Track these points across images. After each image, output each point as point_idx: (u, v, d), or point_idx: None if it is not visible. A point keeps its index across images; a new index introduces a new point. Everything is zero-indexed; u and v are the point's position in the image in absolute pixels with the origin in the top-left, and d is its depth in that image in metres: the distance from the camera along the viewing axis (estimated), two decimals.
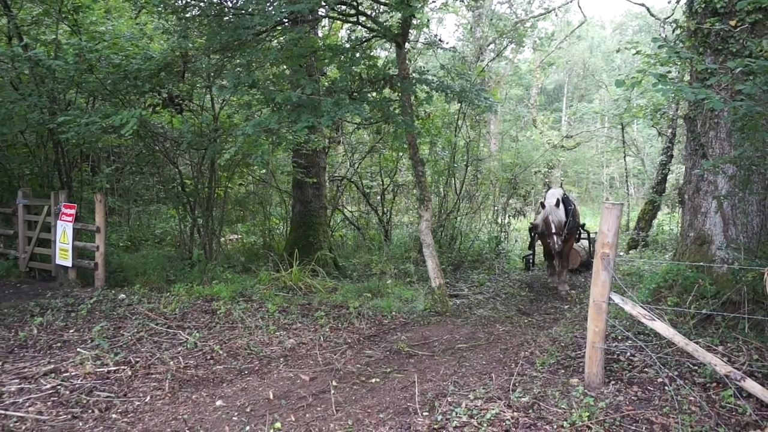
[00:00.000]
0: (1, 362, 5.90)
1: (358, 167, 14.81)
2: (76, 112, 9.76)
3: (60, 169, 11.62)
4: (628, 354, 5.62)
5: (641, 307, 4.82)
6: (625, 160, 20.37)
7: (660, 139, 17.56)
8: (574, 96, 37.99)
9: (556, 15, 24.17)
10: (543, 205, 10.97)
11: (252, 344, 6.78)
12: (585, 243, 13.61)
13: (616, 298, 4.88)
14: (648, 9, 14.75)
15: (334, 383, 5.58)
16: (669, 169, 15.91)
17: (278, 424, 4.42)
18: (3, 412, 4.84)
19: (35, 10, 11.20)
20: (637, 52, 10.30)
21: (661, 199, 15.47)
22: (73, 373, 5.67)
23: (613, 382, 5.00)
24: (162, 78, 10.05)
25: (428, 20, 17.90)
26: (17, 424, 4.66)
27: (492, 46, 20.54)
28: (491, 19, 19.95)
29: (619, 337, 6.08)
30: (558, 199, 10.57)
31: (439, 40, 11.58)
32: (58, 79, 10.21)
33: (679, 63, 8.13)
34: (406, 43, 9.91)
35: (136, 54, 9.97)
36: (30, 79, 10.64)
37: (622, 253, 14.09)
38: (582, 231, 12.83)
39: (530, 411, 4.47)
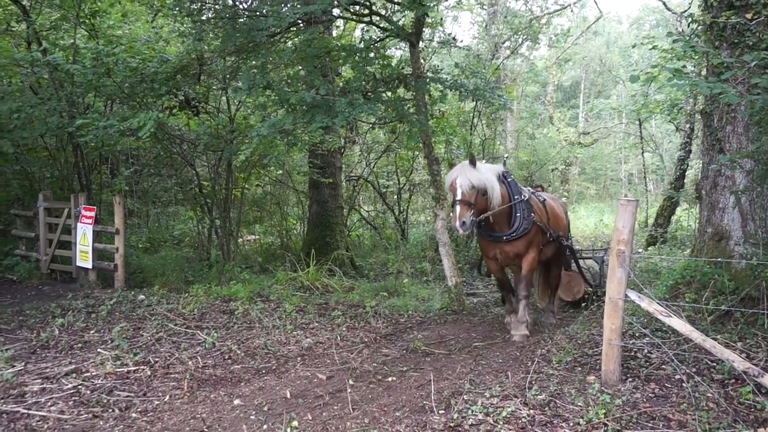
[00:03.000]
0: (24, 363, 6.00)
1: (374, 167, 14.84)
2: (95, 116, 9.88)
3: (79, 172, 11.77)
4: (645, 351, 5.59)
5: (658, 303, 4.79)
6: (643, 156, 20.20)
7: (678, 134, 17.39)
8: (591, 92, 37.69)
9: (572, 11, 24.01)
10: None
11: (269, 344, 6.83)
12: (593, 264, 10.69)
13: (633, 295, 4.85)
14: (664, 3, 14.60)
15: (350, 382, 5.61)
16: (687, 165, 15.75)
17: (295, 423, 4.46)
18: (26, 411, 4.92)
19: (53, 15, 11.35)
20: (654, 47, 10.20)
21: (680, 195, 15.31)
22: (93, 373, 5.76)
23: (630, 379, 4.97)
24: (178, 80, 10.15)
25: (442, 19, 17.89)
26: (39, 423, 4.74)
27: (507, 43, 20.45)
28: (506, 17, 19.86)
29: (636, 334, 6.04)
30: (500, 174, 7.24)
31: (453, 38, 11.55)
32: (77, 83, 10.35)
33: (695, 57, 8.04)
34: (420, 42, 9.91)
35: (153, 57, 10.07)
36: (49, 84, 10.79)
37: (640, 250, 13.98)
38: (569, 241, 8.86)
39: (546, 408, 4.46)
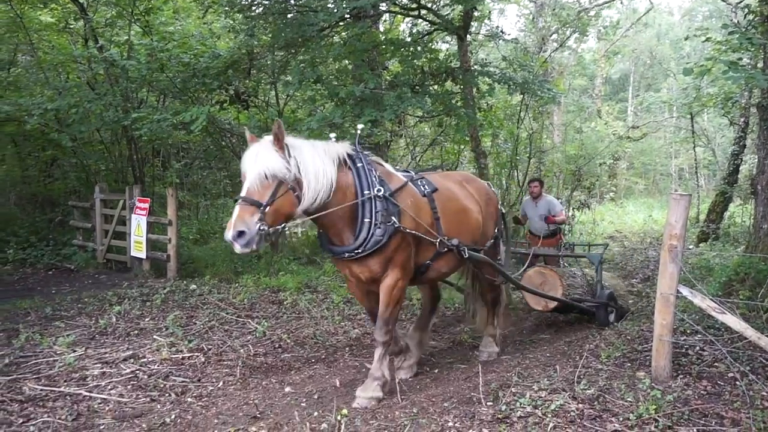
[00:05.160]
0: (84, 348, 6.23)
1: (419, 160, 14.85)
2: (148, 110, 10.16)
3: (133, 164, 12.11)
4: (697, 348, 5.50)
5: (711, 300, 4.72)
6: (694, 150, 19.73)
7: (732, 128, 16.94)
8: (640, 85, 36.90)
9: (622, 2, 23.60)
10: None
11: (318, 334, 6.95)
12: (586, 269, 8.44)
13: (685, 291, 4.79)
14: None
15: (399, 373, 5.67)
16: (741, 160, 15.32)
17: (345, 411, 4.54)
18: (88, 394, 5.13)
19: (109, 12, 11.68)
20: (707, 39, 9.95)
21: (733, 191, 14.92)
22: (150, 359, 5.95)
23: (681, 376, 4.91)
24: (229, 75, 10.34)
25: (489, 12, 17.77)
26: (101, 405, 4.94)
27: (555, 36, 20.21)
28: (554, 9, 19.63)
29: (688, 331, 5.95)
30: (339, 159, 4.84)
31: (501, 31, 11.50)
32: (131, 78, 10.64)
33: (751, 49, 7.83)
34: (468, 35, 9.89)
35: (204, 52, 10.29)
36: (105, 79, 11.12)
37: (691, 246, 13.69)
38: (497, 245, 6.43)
39: (595, 403, 4.44)
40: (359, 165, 4.84)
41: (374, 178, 4.80)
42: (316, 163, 4.54)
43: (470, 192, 5.91)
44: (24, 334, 6.45)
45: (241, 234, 4.12)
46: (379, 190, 4.74)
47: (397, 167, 5.53)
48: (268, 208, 4.25)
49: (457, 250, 5.28)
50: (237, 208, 4.23)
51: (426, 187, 5.28)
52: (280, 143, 4.38)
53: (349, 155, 4.88)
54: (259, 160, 4.29)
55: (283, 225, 4.48)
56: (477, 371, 5.34)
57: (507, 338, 7.06)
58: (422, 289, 6.39)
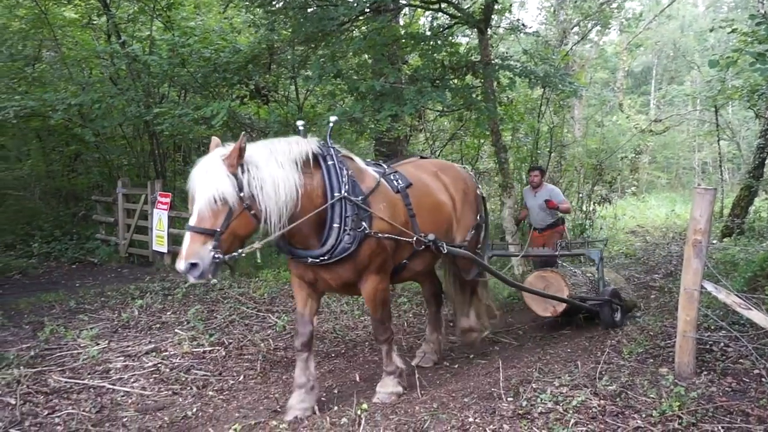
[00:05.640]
0: (107, 341, 6.30)
1: (439, 155, 14.81)
2: (170, 105, 10.24)
3: (155, 159, 12.22)
4: (722, 344, 5.43)
5: (736, 295, 4.65)
6: (719, 144, 19.44)
7: (757, 121, 16.66)
8: (663, 78, 36.45)
9: None
10: None
11: (338, 328, 6.97)
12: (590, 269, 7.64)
13: (709, 286, 4.72)
14: None
15: (418, 368, 5.67)
16: (767, 153, 15.09)
17: (365, 405, 4.54)
18: (111, 386, 5.20)
19: (131, 8, 11.77)
20: (733, 30, 9.79)
21: (759, 185, 14.69)
22: (172, 353, 6.01)
23: (705, 372, 4.85)
24: (249, 70, 10.37)
25: (510, 5, 17.63)
26: (124, 397, 5.01)
27: (576, 29, 20.01)
28: (576, 1, 19.41)
29: (712, 327, 5.87)
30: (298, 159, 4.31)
31: (522, 24, 11.41)
32: (153, 73, 10.72)
33: None
34: (489, 29, 9.83)
35: (225, 47, 10.33)
36: (127, 75, 11.22)
37: (715, 241, 13.51)
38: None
39: (618, 399, 4.40)
40: (330, 163, 4.37)
41: (344, 179, 4.34)
42: (275, 175, 3.99)
43: (445, 183, 5.55)
44: (49, 326, 6.55)
45: (194, 266, 3.73)
46: (346, 193, 4.31)
47: (368, 160, 5.12)
48: (222, 234, 3.82)
49: (435, 246, 4.96)
50: (187, 238, 3.81)
51: (400, 182, 4.93)
52: (232, 159, 3.84)
53: (312, 154, 4.34)
54: (208, 182, 3.80)
55: (242, 251, 4.02)
56: (497, 366, 5.32)
57: (527, 333, 7.04)
58: (422, 286, 6.23)
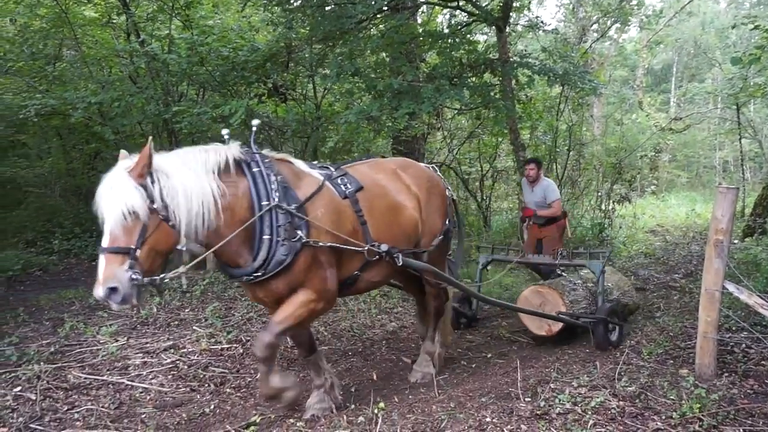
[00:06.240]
0: (126, 337, 6.35)
1: (456, 153, 14.76)
2: (188, 103, 10.27)
3: None
4: (743, 345, 5.36)
5: (758, 296, 4.59)
6: (740, 142, 19.20)
7: None
8: (683, 76, 36.04)
9: None
10: None
11: (355, 327, 6.97)
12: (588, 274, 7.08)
13: (731, 287, 4.66)
14: None
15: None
16: None
17: (382, 404, 4.53)
18: (129, 383, 5.24)
19: (150, 7, 11.83)
20: (756, 27, 9.67)
21: None
22: (190, 350, 6.04)
23: (726, 374, 4.79)
24: (267, 68, 10.39)
25: (529, 2, 17.54)
26: (142, 394, 5.05)
27: (595, 26, 19.85)
28: None
29: (733, 328, 5.80)
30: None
31: (541, 21, 11.34)
32: (172, 72, 10.76)
33: None
34: (507, 26, 9.78)
35: (243, 46, 10.35)
36: (146, 73, 11.27)
37: (736, 241, 13.34)
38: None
39: (637, 400, 4.36)
40: (255, 170, 3.97)
41: (274, 185, 3.92)
42: (187, 184, 3.62)
43: (406, 183, 4.99)
44: (69, 323, 6.59)
45: (113, 290, 3.37)
46: (277, 200, 3.89)
47: (315, 162, 4.74)
48: (138, 251, 3.47)
49: (389, 257, 4.47)
50: (102, 261, 3.44)
51: (348, 185, 4.44)
52: (139, 169, 3.49)
53: (235, 160, 3.95)
54: (115, 197, 3.45)
55: (164, 276, 3.70)
56: (515, 366, 5.30)
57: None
58: (406, 289, 5.87)
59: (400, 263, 4.51)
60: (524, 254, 7.45)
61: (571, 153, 13.84)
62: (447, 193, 5.43)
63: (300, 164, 4.39)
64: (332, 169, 4.56)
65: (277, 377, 4.23)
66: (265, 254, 3.86)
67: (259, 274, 3.90)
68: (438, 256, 5.25)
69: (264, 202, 3.87)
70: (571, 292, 6.53)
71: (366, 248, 4.31)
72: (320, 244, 4.04)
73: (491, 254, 7.35)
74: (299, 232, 3.93)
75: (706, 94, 27.42)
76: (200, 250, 3.87)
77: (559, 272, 7.31)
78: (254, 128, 4.25)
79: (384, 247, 4.40)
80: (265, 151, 4.20)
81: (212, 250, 3.80)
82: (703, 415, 4.05)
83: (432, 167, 5.63)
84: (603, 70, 21.03)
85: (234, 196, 3.85)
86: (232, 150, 3.96)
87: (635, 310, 7.37)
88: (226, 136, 4.14)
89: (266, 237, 3.86)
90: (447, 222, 5.31)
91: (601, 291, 6.50)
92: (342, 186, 4.41)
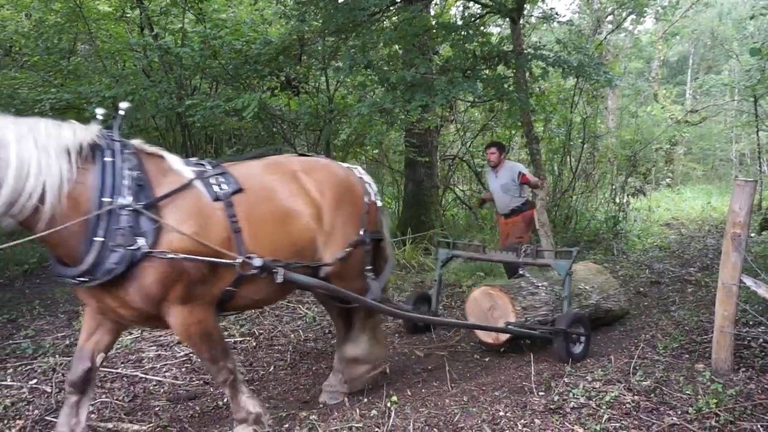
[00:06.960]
0: (140, 331, 6.39)
1: (469, 146, 14.70)
2: (201, 97, 10.29)
3: (187, 151, 12.30)
4: (761, 340, 5.31)
5: None
6: (757, 134, 18.98)
7: None
8: (700, 68, 35.67)
9: None
10: None
11: None
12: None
13: (748, 281, 4.61)
14: None
15: (448, 360, 5.64)
16: None
17: (395, 398, 4.53)
18: (144, 375, 5.27)
19: (164, 1, 11.86)
20: None
21: None
22: None
23: (743, 369, 4.74)
24: (280, 61, 10.38)
25: None
26: (156, 387, 5.08)
27: (610, 17, 19.67)
28: None
29: (750, 323, 5.75)
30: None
31: (555, 13, 11.24)
32: (185, 65, 10.78)
33: None
34: (521, 18, 9.70)
35: (256, 39, 10.35)
36: (160, 67, 11.31)
37: (753, 234, 13.21)
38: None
39: (652, 395, 4.33)
40: (107, 159, 3.46)
41: (125, 180, 3.42)
42: (24, 154, 3.14)
43: (305, 187, 4.27)
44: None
45: None
46: (124, 201, 3.35)
47: (190, 159, 4.05)
48: None
49: (267, 273, 3.80)
50: None
51: (223, 186, 3.81)
52: None
53: (92, 145, 3.50)
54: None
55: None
56: (528, 360, 5.27)
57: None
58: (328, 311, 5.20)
59: (280, 280, 3.84)
60: (484, 249, 6.85)
61: (585, 146, 13.75)
62: (366, 200, 4.72)
63: (172, 160, 3.84)
64: (208, 166, 3.95)
65: (248, 397, 3.97)
66: (92, 259, 3.29)
67: (85, 279, 3.34)
68: (349, 270, 4.51)
69: (105, 199, 3.34)
70: (527, 297, 5.97)
71: (239, 261, 3.68)
72: (170, 255, 3.41)
73: (451, 250, 6.78)
74: (141, 240, 3.36)
75: (723, 86, 27.10)
76: (15, 227, 3.34)
77: (521, 272, 6.65)
78: (122, 112, 3.90)
79: (257, 261, 3.72)
80: (134, 142, 3.79)
81: (38, 236, 3.24)
82: (719, 411, 4.01)
83: (356, 169, 4.96)
84: (618, 62, 20.84)
85: (82, 185, 3.34)
86: (90, 132, 3.55)
87: (622, 316, 6.97)
88: (99, 116, 3.78)
89: (98, 239, 3.31)
90: (362, 232, 4.57)
91: (567, 296, 5.81)
92: (215, 186, 3.79)
